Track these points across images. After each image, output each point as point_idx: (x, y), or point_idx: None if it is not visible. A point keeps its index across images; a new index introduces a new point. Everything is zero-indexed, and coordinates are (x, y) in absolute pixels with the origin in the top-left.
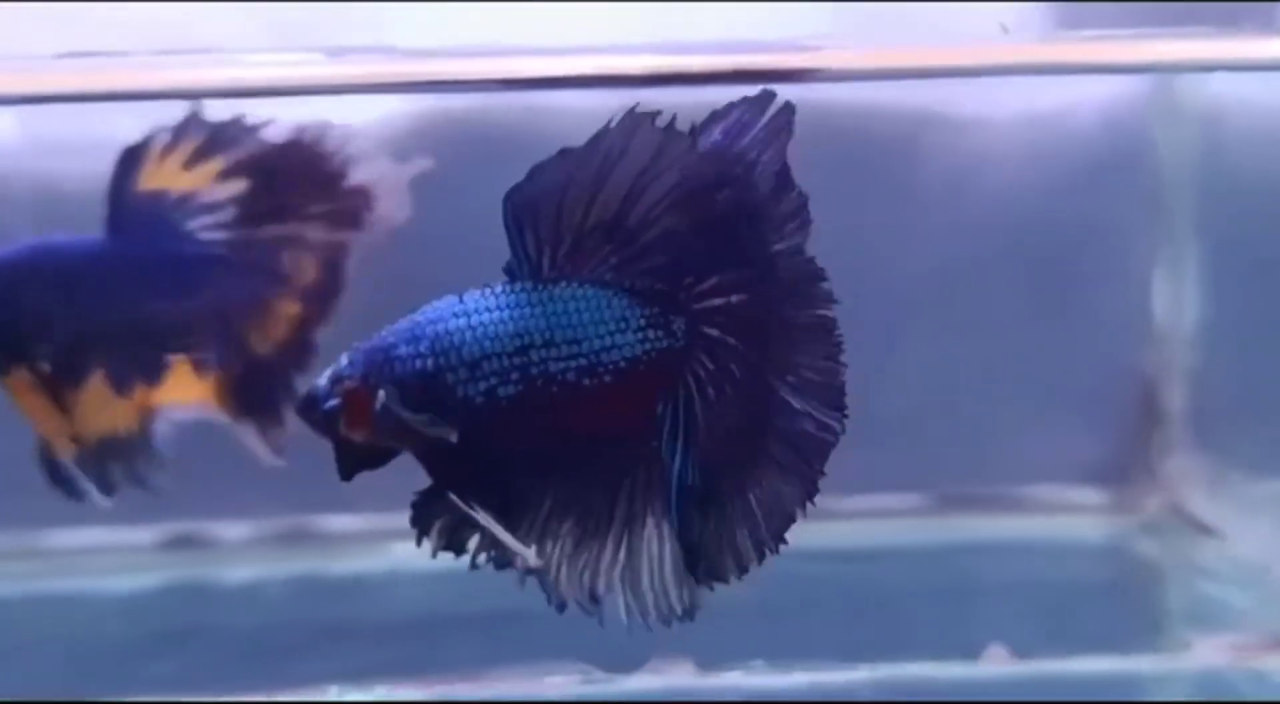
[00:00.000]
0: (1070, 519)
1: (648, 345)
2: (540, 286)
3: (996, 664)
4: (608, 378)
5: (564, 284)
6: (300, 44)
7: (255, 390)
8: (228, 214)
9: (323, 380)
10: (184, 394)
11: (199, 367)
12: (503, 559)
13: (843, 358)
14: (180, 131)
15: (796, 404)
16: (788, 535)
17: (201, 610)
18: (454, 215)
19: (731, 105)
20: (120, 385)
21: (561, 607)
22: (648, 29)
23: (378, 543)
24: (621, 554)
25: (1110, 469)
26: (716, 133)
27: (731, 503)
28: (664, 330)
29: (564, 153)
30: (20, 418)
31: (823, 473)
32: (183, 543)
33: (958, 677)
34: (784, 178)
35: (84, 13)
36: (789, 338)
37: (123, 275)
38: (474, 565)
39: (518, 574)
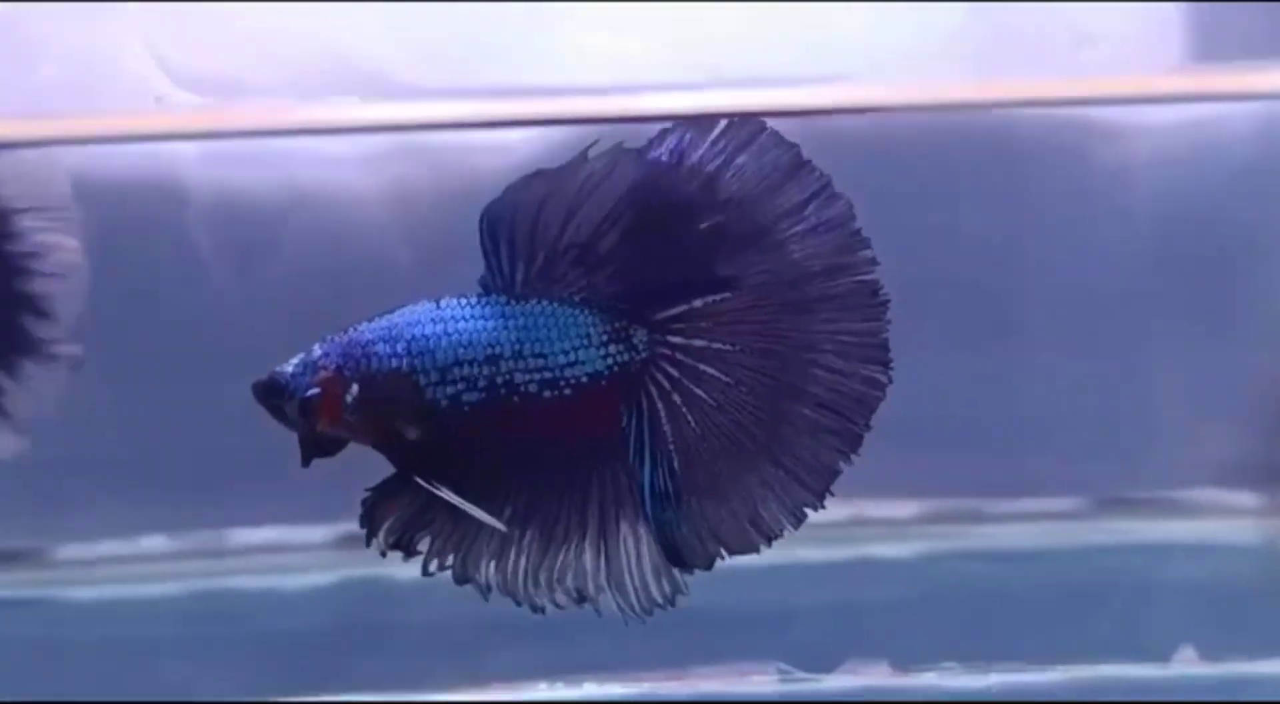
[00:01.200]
0: (1225, 522)
1: (609, 360)
2: (513, 301)
3: (1185, 666)
4: (568, 391)
5: (535, 301)
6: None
7: None
8: None
9: (289, 367)
10: None
11: None
12: (463, 575)
13: (886, 316)
14: None
15: (839, 365)
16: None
17: (378, 608)
18: None
19: (665, 130)
20: None
21: (539, 610)
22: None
23: None
24: (602, 558)
25: (1266, 472)
26: (660, 153)
27: (745, 482)
28: (625, 344)
29: (539, 174)
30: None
31: (868, 427)
32: (356, 542)
33: (1148, 677)
34: (785, 171)
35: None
36: (823, 308)
37: None
38: (426, 572)
39: (478, 589)
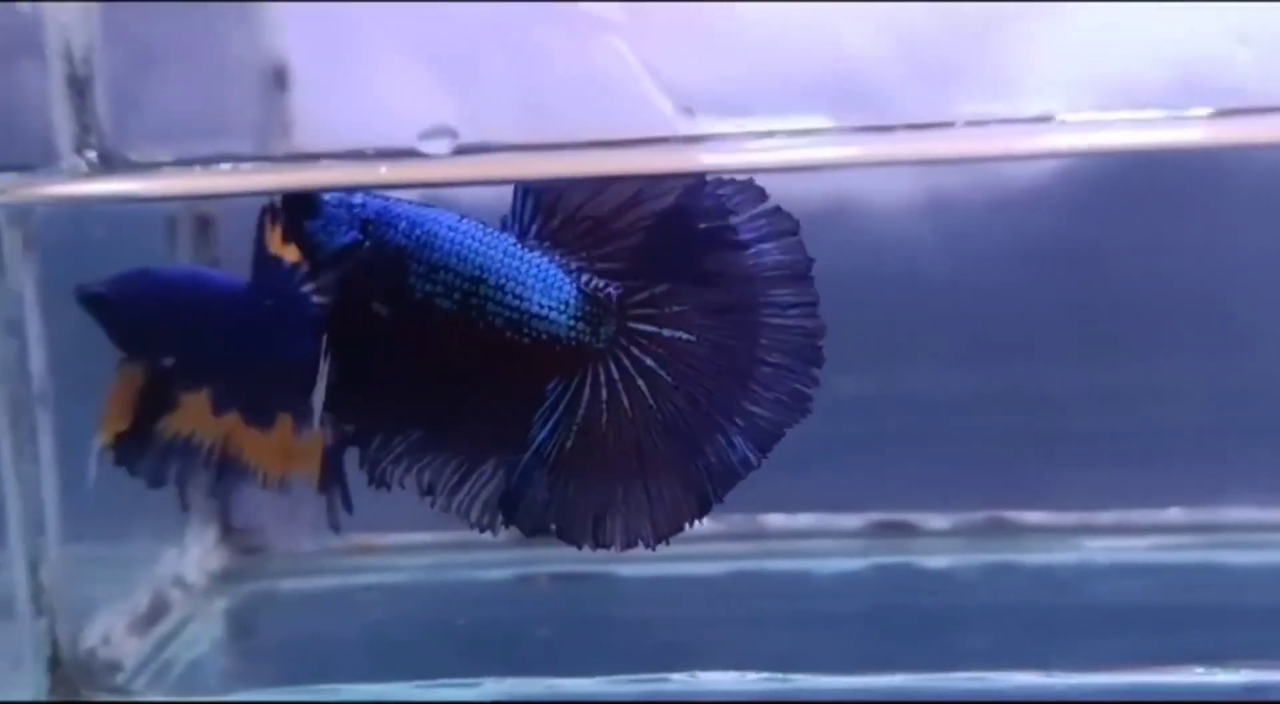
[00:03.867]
0: None
1: (573, 333)
2: (520, 244)
3: None
4: (526, 340)
5: (538, 253)
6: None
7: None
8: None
9: (330, 196)
10: (279, 452)
11: (298, 423)
12: (380, 479)
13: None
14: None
15: (776, 360)
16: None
17: (903, 593)
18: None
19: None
20: (219, 407)
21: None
22: None
23: (1069, 537)
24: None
25: None
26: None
27: (666, 475)
28: (591, 328)
29: None
30: None
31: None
32: (889, 530)
33: None
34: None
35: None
36: (774, 318)
37: (247, 316)
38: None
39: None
